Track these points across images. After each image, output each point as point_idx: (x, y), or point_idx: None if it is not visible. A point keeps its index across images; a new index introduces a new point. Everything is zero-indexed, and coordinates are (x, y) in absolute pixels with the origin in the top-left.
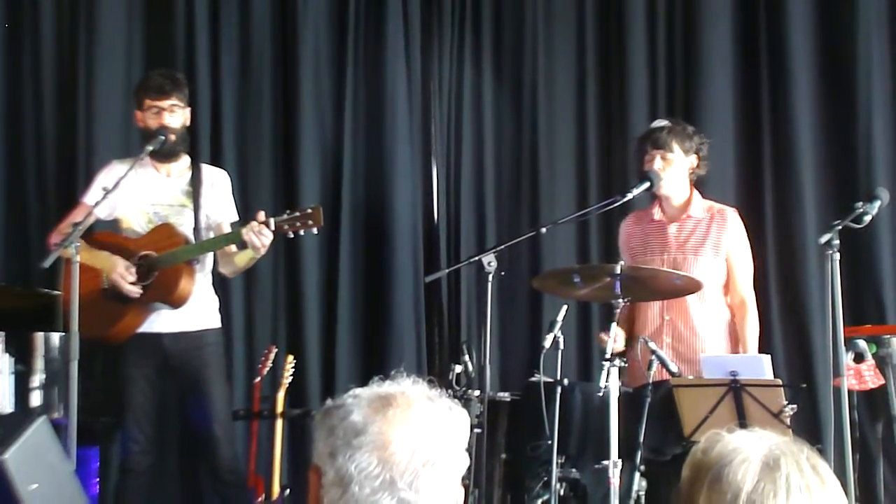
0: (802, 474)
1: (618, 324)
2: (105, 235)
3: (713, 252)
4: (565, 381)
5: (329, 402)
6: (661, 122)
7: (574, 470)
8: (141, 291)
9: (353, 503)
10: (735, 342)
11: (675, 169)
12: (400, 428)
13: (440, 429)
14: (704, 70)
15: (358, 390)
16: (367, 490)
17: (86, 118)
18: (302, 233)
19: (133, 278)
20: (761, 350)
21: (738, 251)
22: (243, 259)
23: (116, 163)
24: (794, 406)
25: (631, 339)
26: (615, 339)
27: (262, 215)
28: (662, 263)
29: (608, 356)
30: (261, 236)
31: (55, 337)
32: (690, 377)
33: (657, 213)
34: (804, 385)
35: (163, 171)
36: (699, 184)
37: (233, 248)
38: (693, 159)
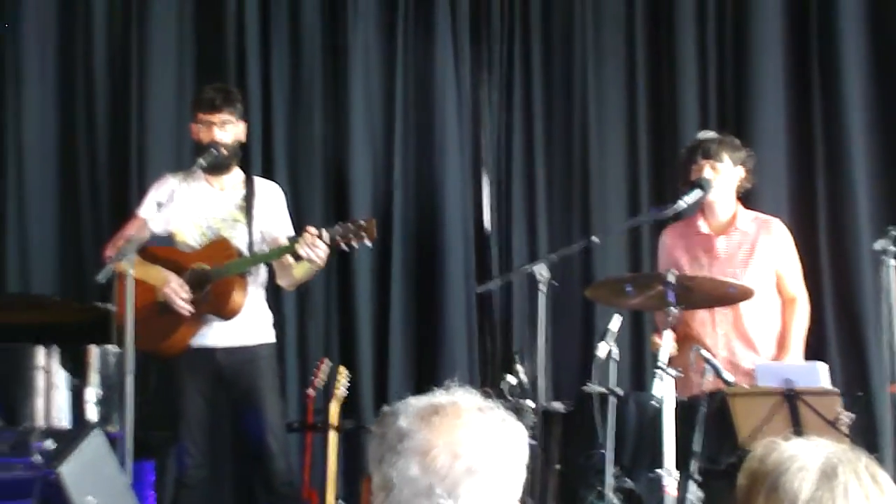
0: (861, 483)
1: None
2: (160, 250)
3: (761, 264)
4: (619, 391)
5: (385, 408)
6: (708, 134)
7: (628, 480)
8: (192, 310)
9: None
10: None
11: (724, 179)
12: (444, 436)
13: (487, 439)
14: (756, 79)
15: (412, 399)
16: (406, 493)
17: (138, 132)
18: (355, 245)
19: (187, 295)
20: (815, 357)
21: (786, 260)
22: (301, 271)
23: (170, 176)
24: (851, 414)
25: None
26: (669, 346)
27: (312, 230)
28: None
29: (662, 365)
30: (315, 249)
31: (110, 351)
32: (745, 386)
33: (704, 227)
34: (861, 393)
35: (216, 185)
36: (747, 196)
37: (290, 260)
38: (741, 171)
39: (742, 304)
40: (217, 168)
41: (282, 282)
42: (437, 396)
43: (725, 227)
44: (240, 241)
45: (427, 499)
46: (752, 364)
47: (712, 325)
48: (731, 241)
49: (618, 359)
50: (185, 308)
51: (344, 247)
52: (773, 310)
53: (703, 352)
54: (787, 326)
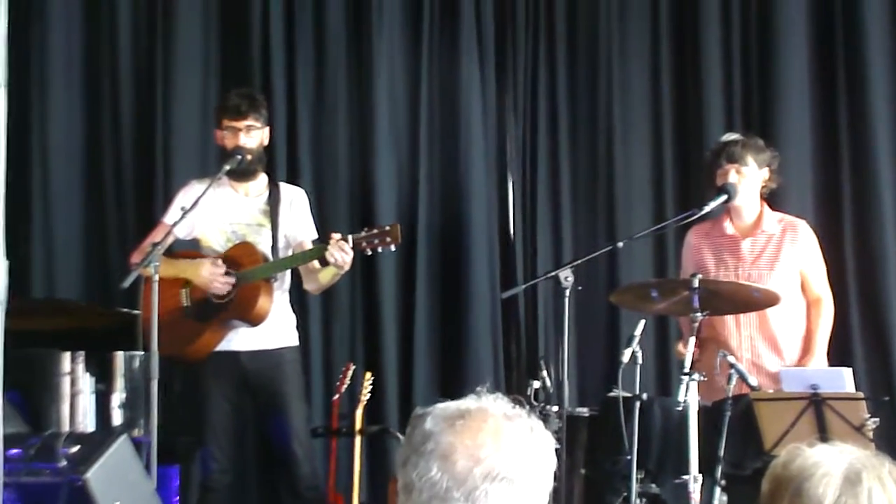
0: (885, 489)
1: (696, 338)
2: (185, 254)
3: (787, 266)
4: (644, 396)
5: (417, 410)
6: (733, 136)
7: (654, 485)
8: (234, 281)
9: None
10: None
11: (749, 182)
12: (466, 440)
13: (511, 446)
14: (781, 81)
15: (443, 403)
16: (425, 496)
17: (163, 137)
18: (380, 250)
19: (223, 269)
20: (840, 361)
21: (811, 261)
22: (327, 276)
23: (195, 182)
24: (877, 419)
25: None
26: (692, 354)
27: (336, 236)
28: (737, 279)
29: (687, 370)
30: (341, 253)
31: (136, 356)
32: (770, 391)
33: (730, 228)
34: (887, 398)
35: (241, 190)
36: (772, 197)
37: (316, 264)
38: (765, 172)
39: None
40: (243, 174)
41: (308, 286)
42: (467, 401)
43: (751, 229)
44: (265, 245)
45: (445, 502)
46: (776, 367)
47: (737, 326)
48: (757, 243)
49: (643, 363)
50: (226, 284)
51: (368, 252)
52: (798, 312)
53: (729, 357)
54: (812, 328)
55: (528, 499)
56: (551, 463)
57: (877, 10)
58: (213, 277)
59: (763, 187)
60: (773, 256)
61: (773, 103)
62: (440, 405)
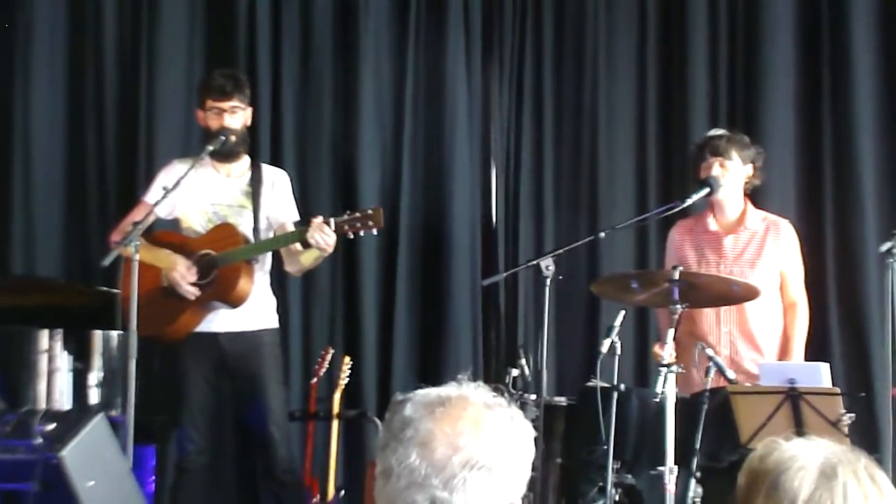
0: (860, 483)
1: (675, 331)
2: (166, 235)
3: (769, 264)
4: (622, 387)
5: (397, 395)
6: (718, 131)
7: (630, 476)
8: (198, 293)
9: (390, 495)
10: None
11: (732, 177)
12: (446, 427)
13: (491, 435)
14: (766, 79)
15: (423, 389)
16: (403, 483)
17: (147, 117)
18: (362, 233)
19: (193, 278)
20: (818, 358)
21: (792, 262)
22: (309, 258)
23: (177, 162)
24: (853, 415)
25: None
26: (672, 346)
27: (319, 218)
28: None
29: (665, 362)
30: (323, 236)
31: (114, 335)
32: (748, 384)
33: (713, 224)
34: (863, 394)
35: (223, 171)
36: (755, 194)
37: (298, 246)
38: (749, 169)
39: (747, 304)
40: (226, 155)
41: (289, 268)
42: (448, 388)
43: (734, 226)
44: (246, 227)
45: (423, 489)
46: (755, 364)
47: (717, 323)
48: (740, 240)
49: (621, 354)
50: (191, 292)
51: (350, 235)
52: (778, 311)
53: (707, 349)
54: (789, 333)
55: (506, 487)
56: (530, 453)
57: (863, 10)
58: (181, 281)
59: (746, 184)
60: (756, 254)
61: (758, 102)
62: (420, 391)
